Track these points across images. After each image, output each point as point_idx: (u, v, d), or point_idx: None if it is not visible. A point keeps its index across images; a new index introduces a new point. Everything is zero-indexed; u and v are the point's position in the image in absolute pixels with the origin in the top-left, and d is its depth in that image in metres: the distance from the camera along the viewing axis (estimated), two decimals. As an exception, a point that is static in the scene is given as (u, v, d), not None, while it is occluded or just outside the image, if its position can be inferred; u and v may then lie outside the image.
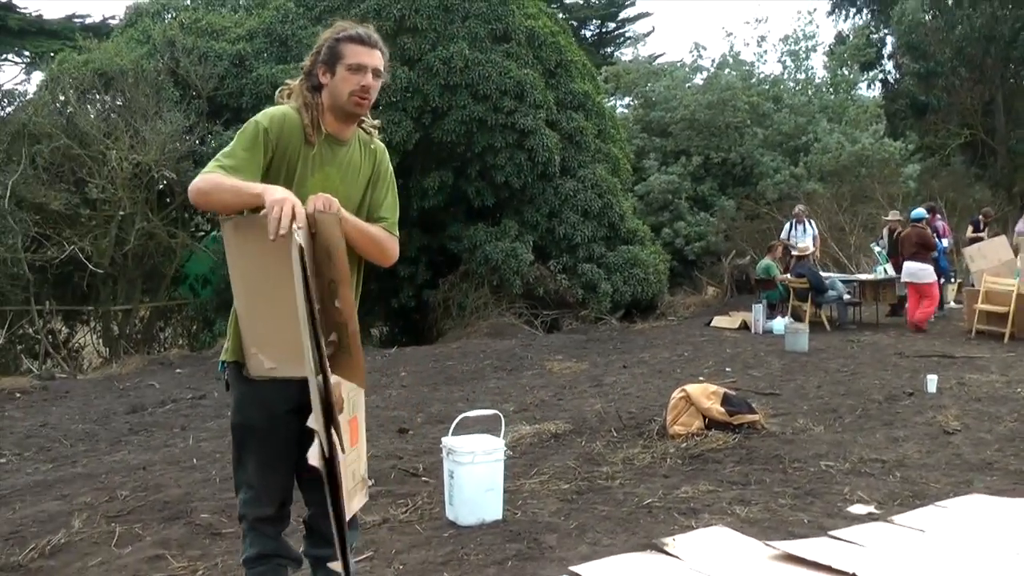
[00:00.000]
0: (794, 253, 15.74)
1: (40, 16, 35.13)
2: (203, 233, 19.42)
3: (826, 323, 14.66)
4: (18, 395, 11.31)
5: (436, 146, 17.68)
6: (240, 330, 3.21)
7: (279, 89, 3.46)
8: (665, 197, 24.69)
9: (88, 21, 33.11)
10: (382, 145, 3.62)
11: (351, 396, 3.27)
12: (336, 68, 3.28)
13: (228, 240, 3.05)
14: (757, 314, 14.82)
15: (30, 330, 15.34)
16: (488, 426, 7.98)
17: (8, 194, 14.21)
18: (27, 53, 32.11)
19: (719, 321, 15.81)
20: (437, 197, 17.80)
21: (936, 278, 14.55)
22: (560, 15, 40.81)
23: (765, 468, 6.21)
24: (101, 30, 29.00)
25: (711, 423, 7.12)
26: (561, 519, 5.18)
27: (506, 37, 17.81)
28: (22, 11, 35.13)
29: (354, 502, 3.35)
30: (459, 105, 17.05)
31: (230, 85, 16.89)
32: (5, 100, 16.99)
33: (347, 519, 3.16)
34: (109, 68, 16.11)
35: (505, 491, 5.62)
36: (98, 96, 16.46)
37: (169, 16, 19.35)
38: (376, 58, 3.32)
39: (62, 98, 16.39)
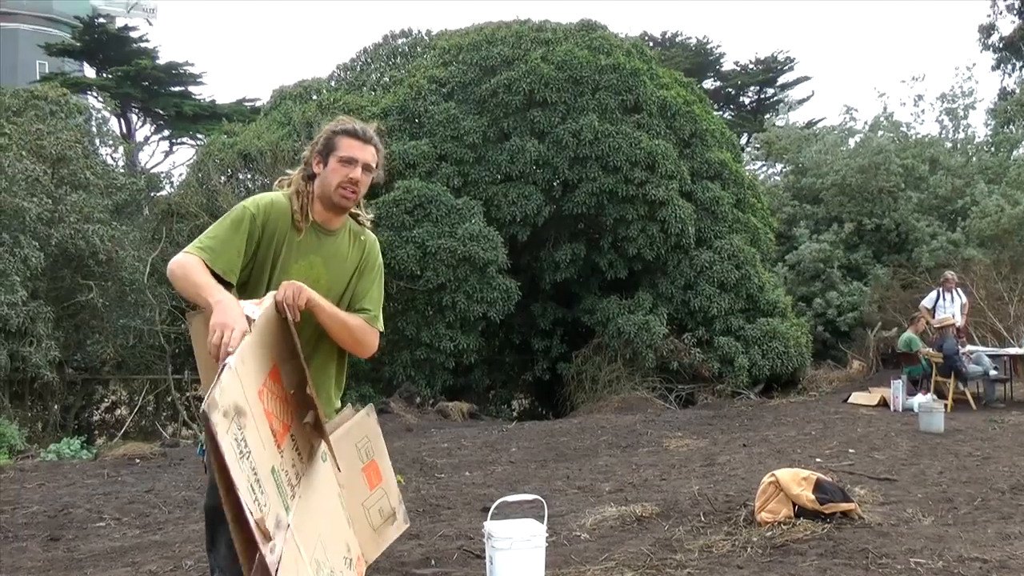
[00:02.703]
0: (935, 325, 14.94)
1: (213, 101, 37.41)
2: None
3: (971, 401, 13.81)
4: (137, 461, 11.66)
5: (567, 218, 17.69)
6: None
7: (279, 179, 3.58)
8: (816, 266, 24.03)
9: (258, 104, 34.67)
10: (373, 237, 3.67)
11: (362, 446, 3.63)
12: (329, 159, 3.37)
13: (195, 333, 3.11)
14: (896, 390, 14.09)
15: (167, 398, 15.91)
16: (571, 506, 7.80)
17: (148, 270, 14.82)
18: (200, 136, 33.79)
19: (857, 397, 15.10)
20: (570, 270, 17.79)
21: None
22: (716, 82, 40.78)
23: (847, 563, 5.77)
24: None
25: (801, 511, 6.69)
26: (604, 614, 4.92)
27: (637, 108, 17.78)
28: (197, 98, 37.42)
29: (384, 536, 3.75)
30: (589, 177, 17.05)
31: (363, 162, 17.24)
32: (149, 182, 17.87)
33: (380, 551, 3.70)
34: (250, 149, 16.73)
35: (565, 577, 5.43)
36: (240, 176, 17.12)
37: (313, 98, 20.00)
38: (368, 154, 3.41)
39: (213, 178, 17.11)
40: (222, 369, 2.66)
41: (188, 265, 3.10)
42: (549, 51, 17.91)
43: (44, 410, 15.98)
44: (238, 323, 2.83)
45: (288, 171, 3.53)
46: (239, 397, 2.69)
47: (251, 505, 2.59)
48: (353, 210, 3.50)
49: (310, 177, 3.40)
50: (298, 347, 3.06)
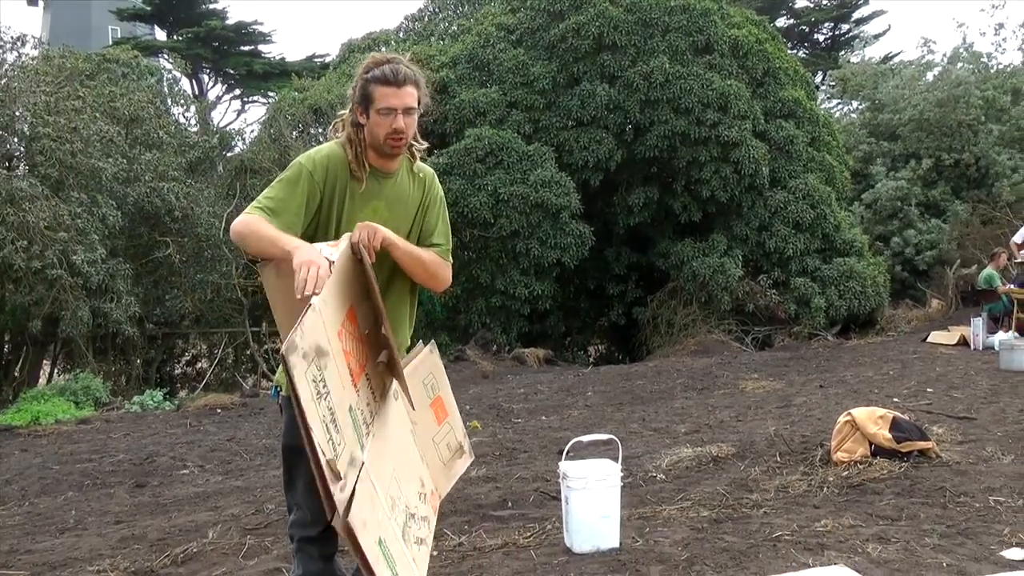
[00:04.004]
0: (1018, 260, 14.62)
1: (283, 59, 37.79)
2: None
3: (1055, 338, 13.51)
4: (219, 411, 11.96)
5: (640, 162, 17.57)
6: None
7: (334, 122, 3.51)
8: (894, 204, 23.59)
9: (327, 60, 34.85)
10: (430, 170, 3.63)
11: (428, 382, 3.62)
12: (369, 111, 3.29)
13: (269, 283, 3.14)
14: (976, 328, 13.85)
15: (246, 351, 16.22)
16: (647, 447, 7.81)
17: (223, 225, 15.06)
18: (271, 94, 34.13)
19: (936, 336, 14.88)
20: (643, 213, 17.71)
21: None
22: (789, 20, 39.95)
23: (924, 502, 5.71)
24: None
25: (877, 450, 6.62)
26: (679, 549, 4.92)
27: (708, 49, 17.52)
28: (267, 56, 37.81)
29: (454, 470, 3.75)
30: (661, 120, 16.91)
31: (433, 112, 17.25)
32: (221, 140, 18.12)
33: (451, 485, 3.74)
34: (320, 103, 16.84)
35: (641, 517, 5.48)
36: (311, 130, 17.25)
37: (382, 50, 20.03)
38: (406, 96, 3.29)
39: (284, 133, 17.27)
40: (306, 310, 2.70)
41: (252, 222, 3.12)
42: (617, -7, 17.72)
43: (127, 364, 16.38)
44: (322, 262, 2.87)
45: (340, 111, 3.46)
46: (322, 338, 2.74)
47: (324, 445, 2.64)
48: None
49: (359, 125, 3.33)
50: (374, 288, 3.09)
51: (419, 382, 3.51)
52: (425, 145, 3.57)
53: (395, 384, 3.32)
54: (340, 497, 2.68)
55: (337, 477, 2.68)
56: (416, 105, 3.32)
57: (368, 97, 3.27)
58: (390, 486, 3.11)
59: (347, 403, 2.86)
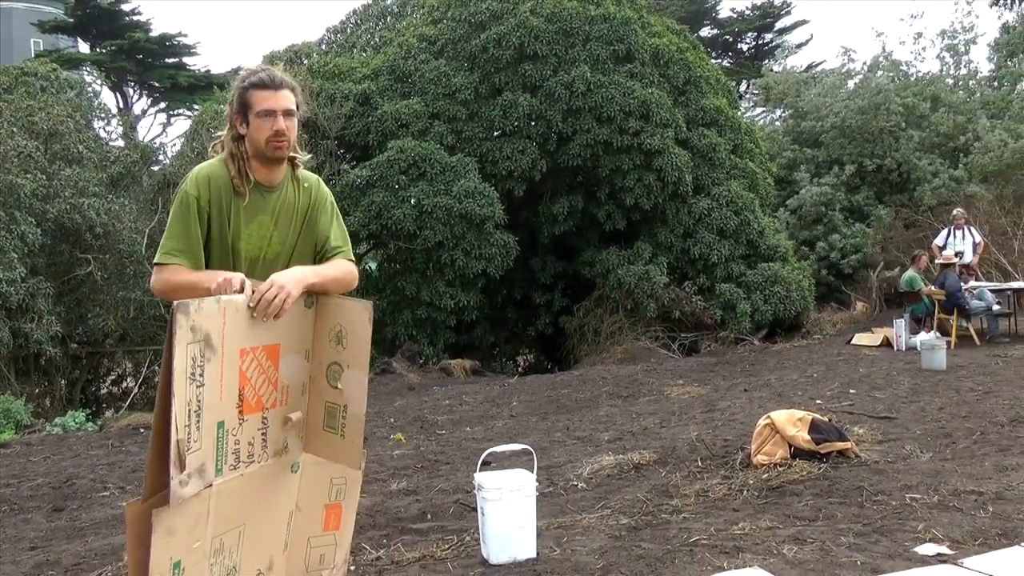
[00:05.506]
0: (938, 262, 14.89)
1: (208, 71, 37.47)
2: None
3: (975, 337, 13.78)
4: (142, 430, 11.72)
5: (564, 171, 17.60)
6: None
7: (212, 144, 3.51)
8: (818, 210, 23.87)
9: (252, 72, 34.50)
10: (314, 176, 3.63)
11: (337, 484, 3.47)
12: (248, 117, 3.30)
13: None
14: (899, 329, 14.07)
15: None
16: (570, 456, 7.80)
17: (146, 241, 14.83)
18: (196, 107, 33.85)
19: (860, 338, 15.09)
20: (568, 222, 17.74)
21: None
22: (713, 30, 40.42)
23: (842, 501, 5.76)
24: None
25: (797, 452, 6.68)
26: (595, 558, 4.91)
27: (629, 57, 17.62)
28: (191, 69, 37.45)
29: None
30: (583, 129, 16.96)
31: (356, 124, 17.17)
32: (143, 154, 17.88)
33: None
34: (243, 116, 16.69)
35: (560, 526, 5.48)
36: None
37: (303, 62, 19.89)
38: (284, 99, 3.32)
39: (207, 147, 17.05)
40: (210, 296, 2.73)
41: (168, 278, 3.20)
42: (538, 3, 17.68)
43: (50, 385, 16.02)
44: (237, 277, 2.98)
45: (219, 132, 3.46)
46: (215, 332, 2.71)
47: (180, 424, 2.57)
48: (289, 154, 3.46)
49: (239, 138, 3.33)
50: (355, 342, 3.09)
51: (327, 477, 3.42)
52: (307, 156, 3.59)
53: (302, 457, 3.27)
54: (180, 491, 2.60)
55: (182, 467, 2.60)
56: (295, 108, 3.35)
57: (246, 103, 3.30)
58: (228, 535, 2.98)
59: (220, 417, 2.80)
